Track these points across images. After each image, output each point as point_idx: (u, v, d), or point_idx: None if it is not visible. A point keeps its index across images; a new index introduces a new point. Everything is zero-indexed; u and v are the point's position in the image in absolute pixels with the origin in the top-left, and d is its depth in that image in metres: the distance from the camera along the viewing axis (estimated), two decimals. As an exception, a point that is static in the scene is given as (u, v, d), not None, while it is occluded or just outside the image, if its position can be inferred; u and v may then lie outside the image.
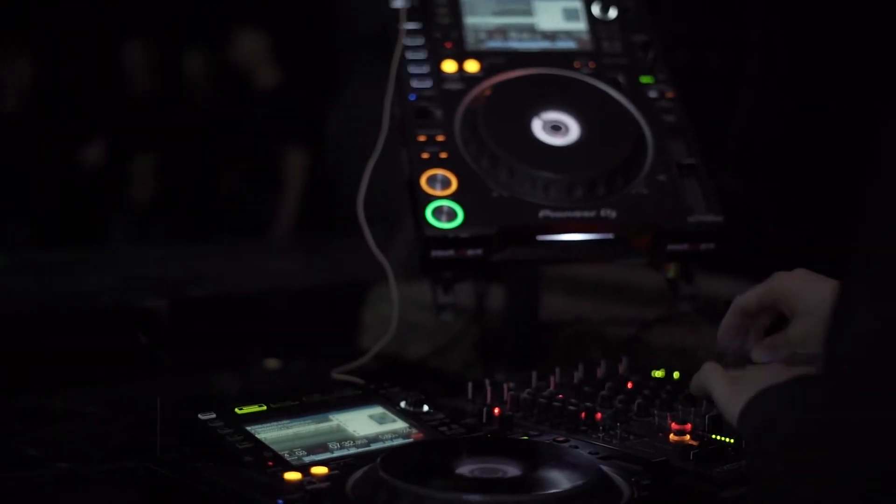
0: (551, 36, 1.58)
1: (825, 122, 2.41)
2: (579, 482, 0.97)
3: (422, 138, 1.44)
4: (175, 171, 5.80)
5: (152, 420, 1.09)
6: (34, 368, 1.71)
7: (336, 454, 1.09)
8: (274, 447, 1.08)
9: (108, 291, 2.07)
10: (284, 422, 1.13)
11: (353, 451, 1.10)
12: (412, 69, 1.50)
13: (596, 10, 1.61)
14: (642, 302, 1.79)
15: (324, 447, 1.10)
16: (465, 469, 1.01)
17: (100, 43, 6.22)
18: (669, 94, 1.54)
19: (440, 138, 1.44)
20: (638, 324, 1.69)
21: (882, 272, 0.68)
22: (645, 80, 1.55)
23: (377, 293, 1.91)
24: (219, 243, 4.18)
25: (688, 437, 1.13)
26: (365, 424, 1.16)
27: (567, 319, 1.75)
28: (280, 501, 0.96)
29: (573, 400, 1.22)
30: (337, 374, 1.44)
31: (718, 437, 1.12)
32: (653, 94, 1.54)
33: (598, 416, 1.18)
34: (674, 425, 1.15)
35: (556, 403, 1.21)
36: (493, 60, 1.54)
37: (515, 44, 1.57)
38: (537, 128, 1.47)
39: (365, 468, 1.01)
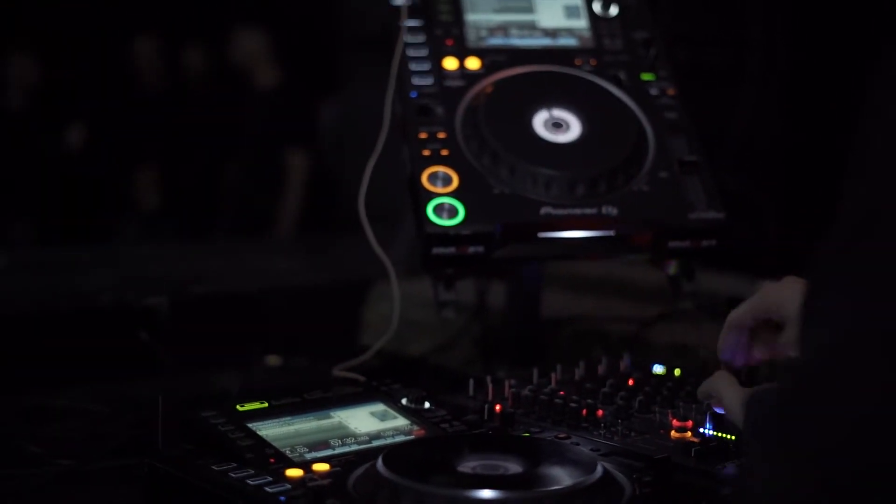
0: (552, 33, 1.58)
1: (826, 120, 2.40)
2: (581, 479, 0.97)
3: (423, 135, 1.44)
4: (176, 170, 5.80)
5: (153, 418, 1.09)
6: (35, 367, 1.70)
7: (338, 451, 1.09)
8: (275, 444, 1.08)
9: (109, 290, 2.07)
10: (286, 419, 1.13)
11: (354, 447, 1.10)
12: (413, 66, 1.50)
13: (597, 7, 1.61)
14: (643, 299, 1.79)
15: (325, 444, 1.10)
16: (467, 466, 1.01)
17: (101, 42, 6.23)
18: (670, 92, 1.54)
19: (441, 135, 1.44)
20: (639, 321, 1.69)
21: (851, 262, 0.68)
22: (646, 77, 1.55)
23: (378, 290, 1.91)
24: (220, 242, 4.18)
25: (689, 433, 1.13)
26: (366, 421, 1.16)
27: (568, 316, 1.75)
28: (282, 498, 0.96)
29: (574, 397, 1.22)
30: (338, 372, 1.44)
31: (720, 434, 1.12)
32: (654, 91, 1.54)
33: (600, 412, 1.18)
34: (675, 422, 1.15)
35: (557, 400, 1.21)
36: (495, 57, 1.54)
37: (517, 41, 1.57)
38: (538, 125, 1.47)
39: (366, 465, 1.01)
